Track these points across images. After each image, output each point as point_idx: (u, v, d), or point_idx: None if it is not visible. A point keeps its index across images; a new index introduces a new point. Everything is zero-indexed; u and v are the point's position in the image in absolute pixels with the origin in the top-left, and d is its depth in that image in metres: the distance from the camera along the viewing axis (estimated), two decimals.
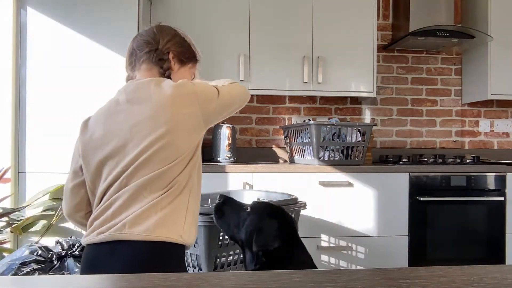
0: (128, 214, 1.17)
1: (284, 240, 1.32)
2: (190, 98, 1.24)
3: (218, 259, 1.53)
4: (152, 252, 1.15)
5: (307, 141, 2.63)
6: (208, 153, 2.93)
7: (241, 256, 1.50)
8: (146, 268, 1.11)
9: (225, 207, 1.43)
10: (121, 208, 1.18)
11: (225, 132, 2.78)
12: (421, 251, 2.58)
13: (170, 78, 1.35)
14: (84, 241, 1.23)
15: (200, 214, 1.43)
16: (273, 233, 1.32)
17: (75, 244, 1.98)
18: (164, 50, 1.37)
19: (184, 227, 1.19)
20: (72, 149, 1.34)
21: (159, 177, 1.18)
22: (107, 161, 1.23)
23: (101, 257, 1.17)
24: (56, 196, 2.36)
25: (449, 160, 2.89)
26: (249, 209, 1.39)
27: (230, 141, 2.77)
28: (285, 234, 1.34)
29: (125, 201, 1.18)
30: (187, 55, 1.43)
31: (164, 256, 1.16)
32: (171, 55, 1.38)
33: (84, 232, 1.28)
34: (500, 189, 2.65)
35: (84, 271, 1.22)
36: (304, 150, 2.69)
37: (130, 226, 1.15)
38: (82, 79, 2.39)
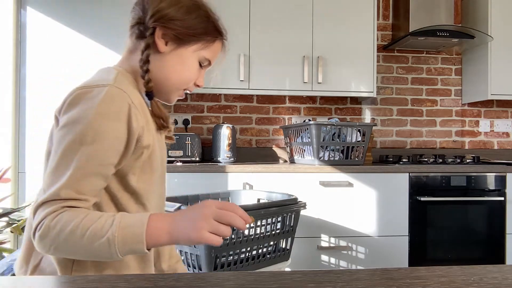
0: None
1: None
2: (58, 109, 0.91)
3: (218, 259, 1.53)
4: None
5: (307, 141, 2.63)
6: (208, 153, 2.93)
7: (241, 256, 1.51)
8: None
9: None
10: None
11: (225, 132, 2.77)
12: (421, 251, 2.58)
13: (147, 63, 0.95)
14: None
15: None
16: None
17: None
18: (149, 24, 0.94)
19: None
20: None
21: None
22: None
23: None
24: None
25: (449, 160, 2.89)
26: None
27: (230, 141, 2.77)
28: None
29: None
30: (190, 31, 0.98)
31: None
32: (157, 33, 0.95)
33: None
34: (500, 189, 2.64)
35: None
36: (304, 150, 2.69)
37: None
38: (82, 79, 2.39)
